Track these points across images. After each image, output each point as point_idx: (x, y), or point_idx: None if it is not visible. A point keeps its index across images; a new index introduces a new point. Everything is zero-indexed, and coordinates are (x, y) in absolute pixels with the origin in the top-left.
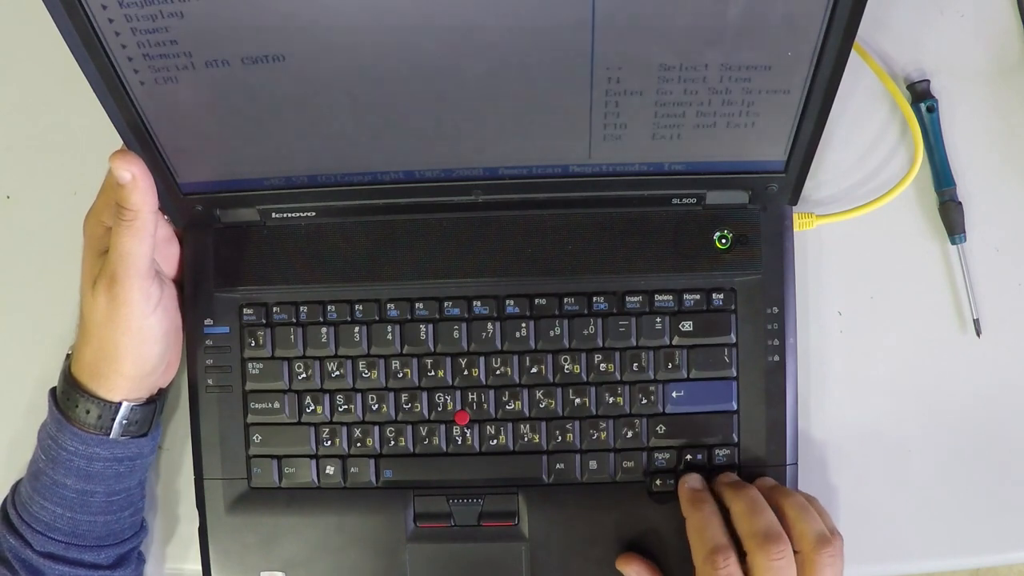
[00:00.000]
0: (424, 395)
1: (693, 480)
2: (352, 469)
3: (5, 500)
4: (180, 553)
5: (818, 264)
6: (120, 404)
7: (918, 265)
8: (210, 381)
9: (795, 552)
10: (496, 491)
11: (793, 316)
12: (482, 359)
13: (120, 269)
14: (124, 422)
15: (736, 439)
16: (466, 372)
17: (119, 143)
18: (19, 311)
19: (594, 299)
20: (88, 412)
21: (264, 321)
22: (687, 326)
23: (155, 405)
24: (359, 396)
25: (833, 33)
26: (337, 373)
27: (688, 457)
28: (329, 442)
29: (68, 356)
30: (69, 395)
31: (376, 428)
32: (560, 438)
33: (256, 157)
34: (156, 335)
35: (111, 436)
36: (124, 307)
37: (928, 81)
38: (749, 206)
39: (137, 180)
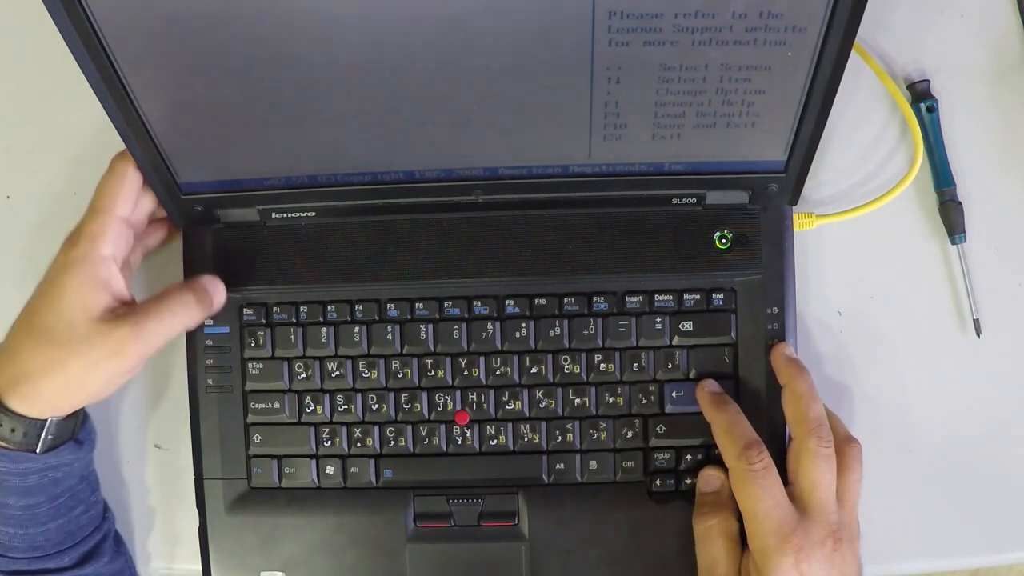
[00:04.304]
0: (424, 395)
1: (712, 384)
2: (352, 469)
3: None
4: (180, 553)
5: (818, 264)
6: (47, 421)
7: (918, 265)
8: (210, 381)
9: None
10: (496, 491)
11: (793, 316)
12: (482, 359)
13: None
14: (50, 437)
15: None
16: (466, 372)
17: (119, 143)
18: (18, 312)
19: (594, 299)
20: (13, 431)
21: (264, 321)
22: (687, 326)
23: (79, 412)
24: (359, 396)
25: (833, 33)
26: (337, 373)
27: (688, 457)
28: (329, 442)
29: None
30: None
31: (376, 428)
32: (560, 438)
33: (256, 157)
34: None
35: (38, 451)
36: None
37: (928, 81)
38: (749, 206)
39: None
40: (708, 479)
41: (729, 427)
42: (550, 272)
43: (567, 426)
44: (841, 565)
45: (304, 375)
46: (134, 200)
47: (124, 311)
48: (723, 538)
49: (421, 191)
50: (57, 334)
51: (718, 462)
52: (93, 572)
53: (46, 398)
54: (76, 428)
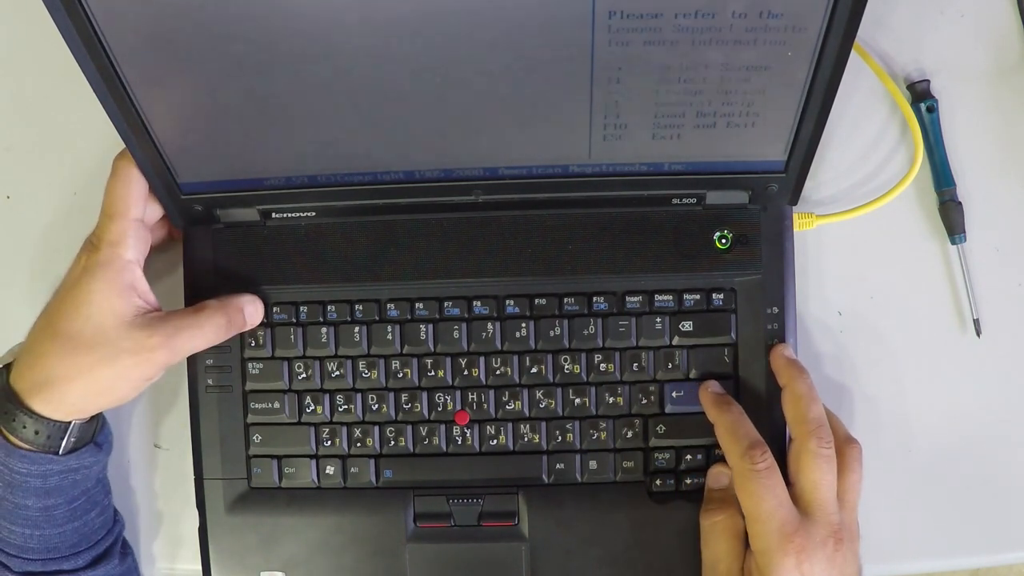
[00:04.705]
0: (424, 395)
1: (714, 385)
2: (352, 469)
3: None
4: (180, 553)
5: (818, 264)
6: (70, 424)
7: (918, 265)
8: (210, 381)
9: None
10: (496, 491)
11: (793, 316)
12: (482, 359)
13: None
14: (72, 439)
15: None
16: (466, 372)
17: (119, 143)
18: (19, 311)
19: (594, 299)
20: (37, 433)
21: (264, 321)
22: (687, 326)
23: (99, 415)
24: (359, 396)
25: (833, 33)
26: (337, 373)
27: (688, 457)
28: (329, 442)
29: (7, 367)
30: (14, 416)
31: (376, 428)
32: (560, 438)
33: (256, 157)
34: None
35: (60, 454)
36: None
37: (928, 81)
38: (749, 206)
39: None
40: (717, 476)
41: (733, 427)
42: (550, 272)
43: (567, 426)
44: (842, 565)
45: (304, 375)
46: (146, 201)
47: (153, 316)
48: (728, 535)
49: (421, 191)
50: (86, 339)
51: (718, 462)
52: (104, 574)
53: (71, 402)
54: (96, 431)
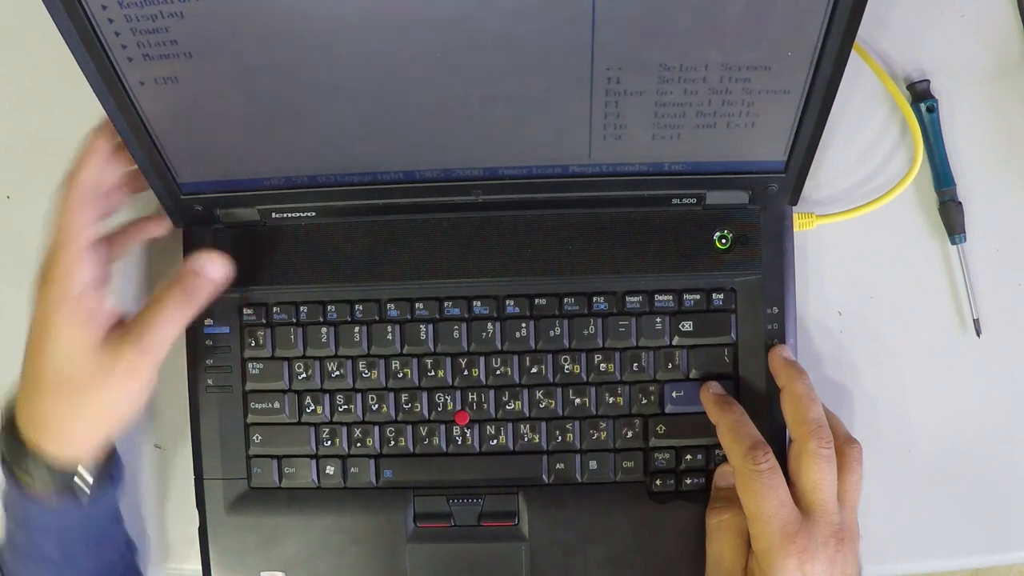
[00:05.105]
0: (424, 395)
1: (715, 386)
2: (352, 469)
3: None
4: (180, 553)
5: (818, 264)
6: (82, 466)
7: (918, 265)
8: (210, 381)
9: None
10: (496, 491)
11: (793, 316)
12: (482, 359)
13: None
14: (90, 480)
15: None
16: (466, 372)
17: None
18: (19, 312)
19: (594, 299)
20: (53, 480)
21: (264, 321)
22: (687, 326)
23: (113, 451)
24: (359, 396)
25: (833, 33)
26: (337, 373)
27: (688, 457)
28: (329, 442)
29: (10, 406)
30: (27, 465)
31: (376, 428)
32: (560, 438)
33: (256, 157)
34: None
35: (80, 501)
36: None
37: (928, 81)
38: (749, 206)
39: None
40: (724, 475)
41: (734, 428)
42: (550, 272)
43: (567, 426)
44: (843, 565)
45: (304, 375)
46: (96, 219)
47: (121, 329)
48: (733, 533)
49: (421, 191)
50: (66, 376)
51: (719, 462)
52: None
53: (78, 440)
54: (110, 465)
